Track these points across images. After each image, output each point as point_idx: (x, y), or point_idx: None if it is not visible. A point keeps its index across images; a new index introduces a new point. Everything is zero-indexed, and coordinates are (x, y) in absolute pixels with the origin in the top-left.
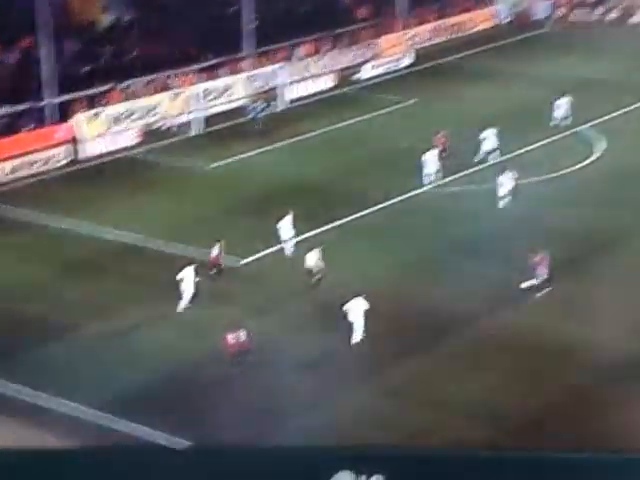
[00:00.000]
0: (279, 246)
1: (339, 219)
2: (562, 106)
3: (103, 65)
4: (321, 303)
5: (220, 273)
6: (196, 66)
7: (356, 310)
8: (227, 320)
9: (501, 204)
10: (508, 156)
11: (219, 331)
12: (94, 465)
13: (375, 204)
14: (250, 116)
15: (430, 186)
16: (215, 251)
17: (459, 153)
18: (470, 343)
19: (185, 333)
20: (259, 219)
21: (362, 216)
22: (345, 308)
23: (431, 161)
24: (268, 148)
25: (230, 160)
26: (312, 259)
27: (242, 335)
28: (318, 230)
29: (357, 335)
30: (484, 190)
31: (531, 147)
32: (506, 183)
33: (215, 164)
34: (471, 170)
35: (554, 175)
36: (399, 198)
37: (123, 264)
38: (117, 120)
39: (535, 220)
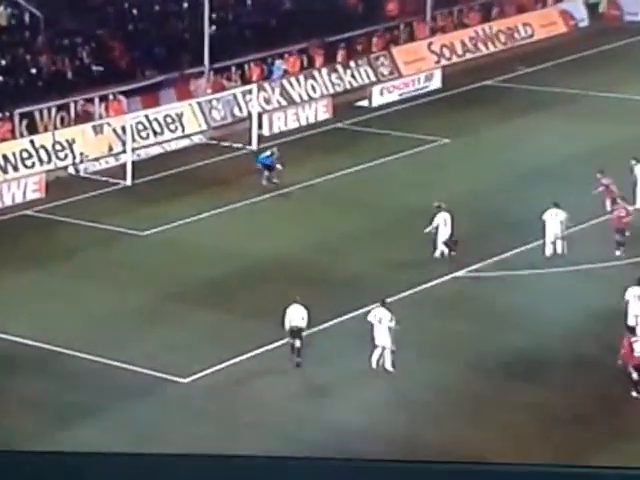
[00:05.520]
0: (239, 357)
1: (335, 317)
2: None
3: None
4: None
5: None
6: (128, 87)
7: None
8: None
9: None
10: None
11: None
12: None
13: (388, 295)
14: (263, 165)
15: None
16: None
17: (515, 221)
18: None
19: None
20: (214, 312)
21: (369, 312)
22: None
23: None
24: (231, 207)
25: (174, 224)
26: (294, 316)
27: None
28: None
29: None
30: (548, 277)
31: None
32: None
33: (152, 229)
34: (533, 244)
35: None
36: (423, 285)
37: (12, 379)
38: (9, 165)
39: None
